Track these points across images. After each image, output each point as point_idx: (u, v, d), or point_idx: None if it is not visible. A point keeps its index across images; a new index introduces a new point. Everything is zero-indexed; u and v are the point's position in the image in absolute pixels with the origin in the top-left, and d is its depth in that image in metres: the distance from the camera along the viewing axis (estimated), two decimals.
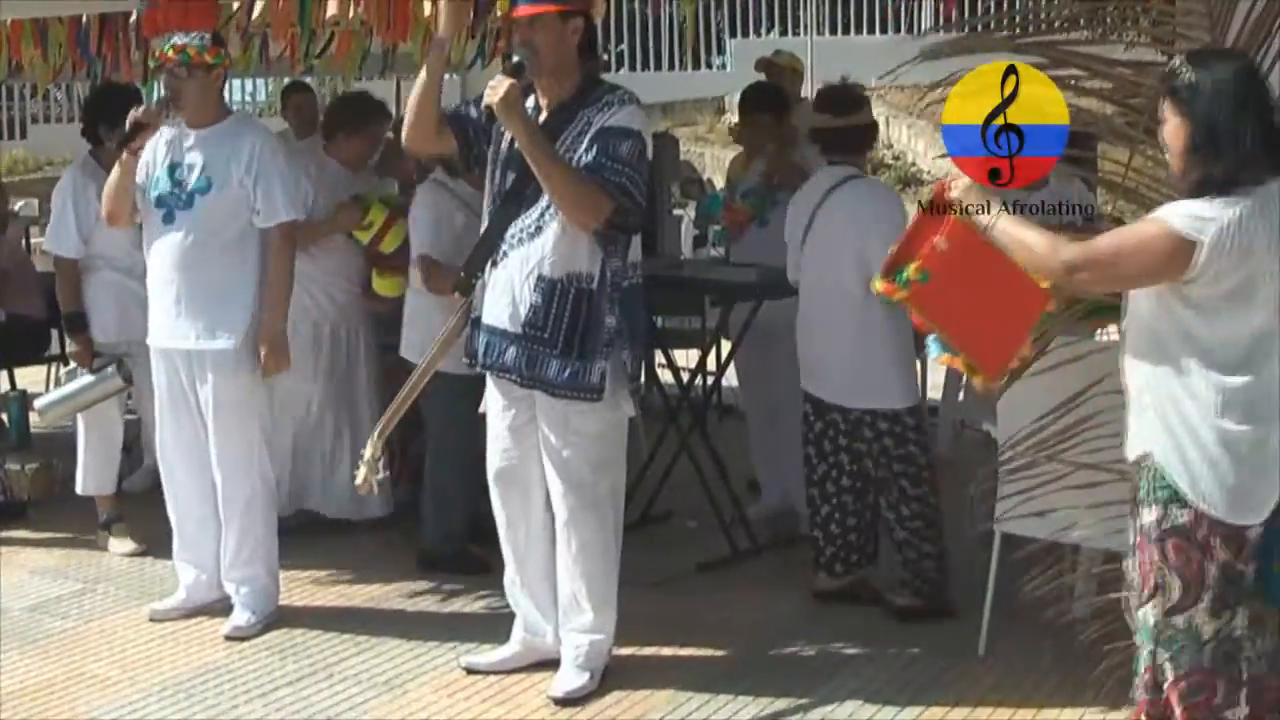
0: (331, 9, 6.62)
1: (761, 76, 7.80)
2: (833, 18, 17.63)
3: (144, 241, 5.50)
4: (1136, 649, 3.59)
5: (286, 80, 9.96)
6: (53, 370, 8.15)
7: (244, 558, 5.48)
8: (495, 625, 5.20)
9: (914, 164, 15.25)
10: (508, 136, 4.68)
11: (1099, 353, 4.32)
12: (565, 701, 4.74)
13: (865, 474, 5.55)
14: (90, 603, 5.83)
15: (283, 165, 5.46)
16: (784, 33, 17.53)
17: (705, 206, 8.49)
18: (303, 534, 6.26)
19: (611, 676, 4.87)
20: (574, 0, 4.64)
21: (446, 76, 4.88)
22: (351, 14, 6.50)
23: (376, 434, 5.04)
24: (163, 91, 5.55)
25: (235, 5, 6.64)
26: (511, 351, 4.70)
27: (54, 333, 7.73)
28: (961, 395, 7.40)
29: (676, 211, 9.74)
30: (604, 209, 4.55)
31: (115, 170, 5.42)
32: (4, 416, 8.08)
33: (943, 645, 5.14)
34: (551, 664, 4.90)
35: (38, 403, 6.53)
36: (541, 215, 4.64)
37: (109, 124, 6.36)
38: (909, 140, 15.43)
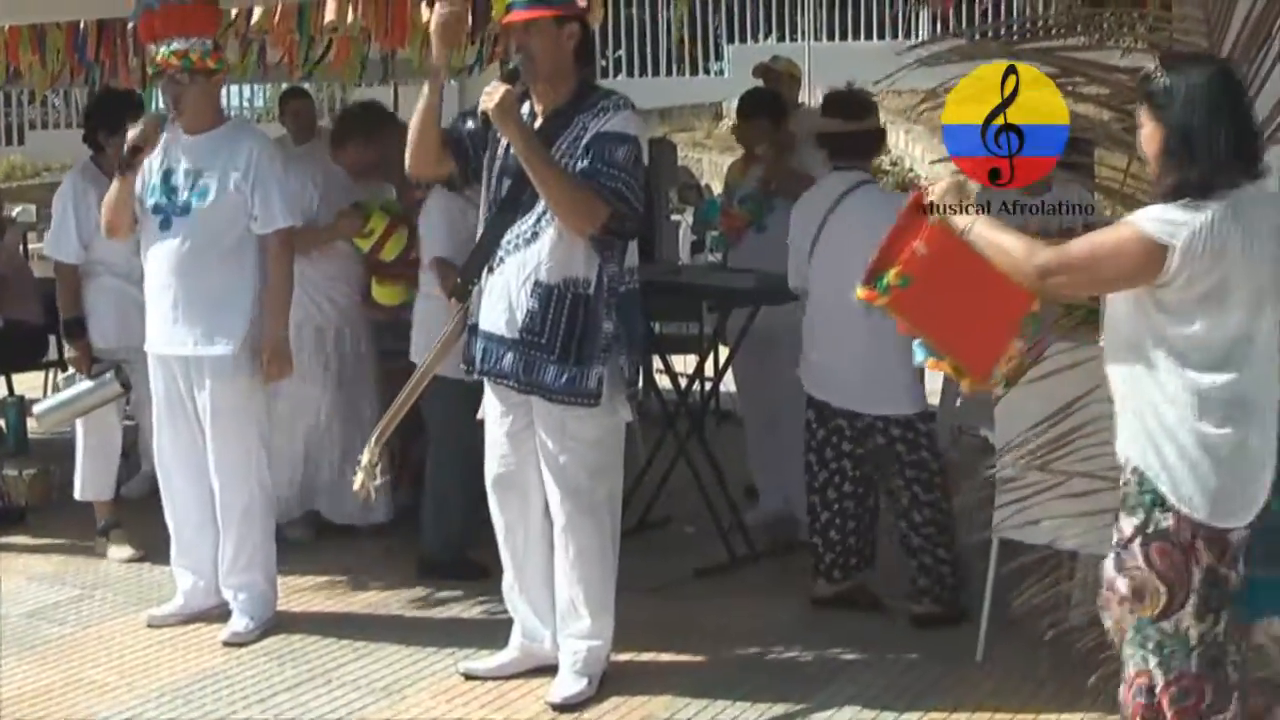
0: (329, 15, 6.64)
1: (759, 82, 7.80)
2: (830, 23, 17.66)
3: (141, 247, 5.50)
4: (1118, 653, 3.60)
5: (284, 86, 9.97)
6: (50, 376, 8.15)
7: (242, 564, 5.48)
8: (493, 631, 5.19)
9: (911, 169, 15.26)
10: (503, 143, 4.69)
11: (1096, 359, 4.31)
12: (563, 707, 4.74)
13: (866, 479, 5.55)
14: (88, 608, 5.83)
15: (280, 171, 5.46)
16: (781, 38, 17.54)
17: (703, 212, 8.48)
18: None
19: (609, 682, 4.87)
20: (570, 5, 4.65)
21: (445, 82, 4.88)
22: (350, 19, 6.52)
23: (374, 440, 5.04)
24: (161, 97, 5.55)
25: (234, 11, 6.65)
26: (509, 357, 4.71)
27: (51, 338, 7.74)
28: (959, 400, 7.40)
29: (674, 217, 9.73)
30: (600, 214, 4.56)
31: (114, 185, 5.42)
32: (2, 422, 8.07)
33: (940, 651, 5.14)
34: (550, 670, 4.90)
35: (36, 408, 6.53)
36: (538, 221, 4.64)
37: (109, 130, 6.37)
38: (907, 146, 15.44)
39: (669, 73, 18.42)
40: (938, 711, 4.69)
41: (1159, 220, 3.37)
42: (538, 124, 4.68)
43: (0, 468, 7.13)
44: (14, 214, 11.56)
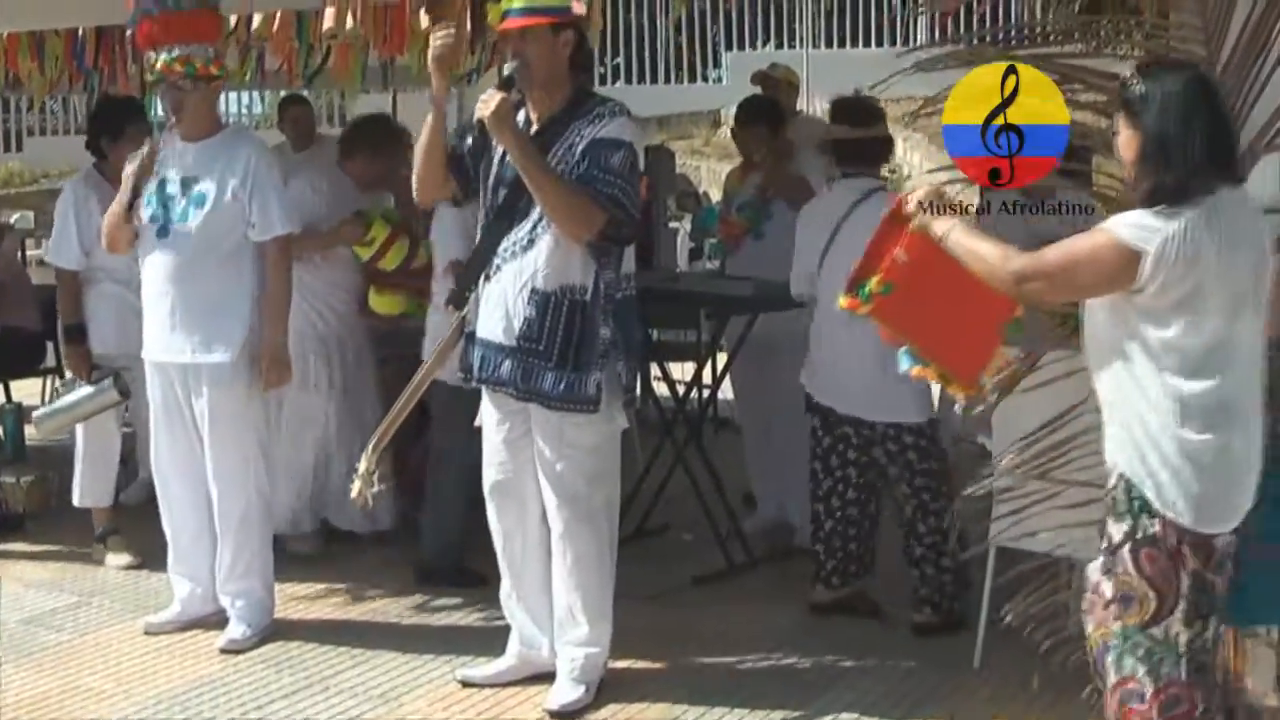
0: (327, 22, 6.64)
1: (758, 89, 7.81)
2: (828, 31, 17.63)
3: (139, 254, 5.49)
4: (1095, 658, 3.59)
5: (283, 93, 9.98)
6: (48, 383, 8.15)
7: (239, 571, 5.47)
8: (491, 638, 5.19)
9: (909, 177, 15.26)
10: (500, 151, 4.69)
11: None
12: (561, 714, 4.75)
13: (870, 486, 5.55)
14: (85, 616, 5.82)
15: (278, 178, 5.46)
16: (780, 46, 17.53)
17: (701, 219, 8.50)
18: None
19: (607, 689, 4.87)
20: (565, 13, 4.65)
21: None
22: (349, 25, 6.51)
23: (371, 447, 5.04)
24: (160, 104, 5.54)
25: (233, 18, 6.66)
26: (507, 365, 4.71)
27: (49, 345, 7.74)
28: (958, 408, 7.39)
29: (672, 225, 9.75)
30: (597, 221, 4.56)
31: (114, 208, 5.42)
32: None
33: (938, 658, 5.14)
34: (547, 677, 4.89)
35: (35, 414, 6.52)
36: (534, 228, 4.64)
37: (111, 136, 6.39)
38: (904, 153, 15.42)
39: (667, 80, 18.41)
40: (935, 718, 4.69)
41: (1133, 226, 3.38)
42: (533, 131, 4.69)
43: None
44: (12, 220, 11.56)
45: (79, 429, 6.39)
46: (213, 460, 5.41)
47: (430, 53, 4.75)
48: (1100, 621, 3.53)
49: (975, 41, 5.66)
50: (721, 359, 7.02)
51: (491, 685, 4.98)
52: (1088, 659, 3.66)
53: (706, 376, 7.19)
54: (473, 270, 4.82)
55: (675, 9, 15.60)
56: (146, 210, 5.36)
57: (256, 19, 8.02)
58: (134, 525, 6.46)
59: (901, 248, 3.76)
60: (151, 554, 6.08)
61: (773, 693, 4.92)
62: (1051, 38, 4.82)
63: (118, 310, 6.34)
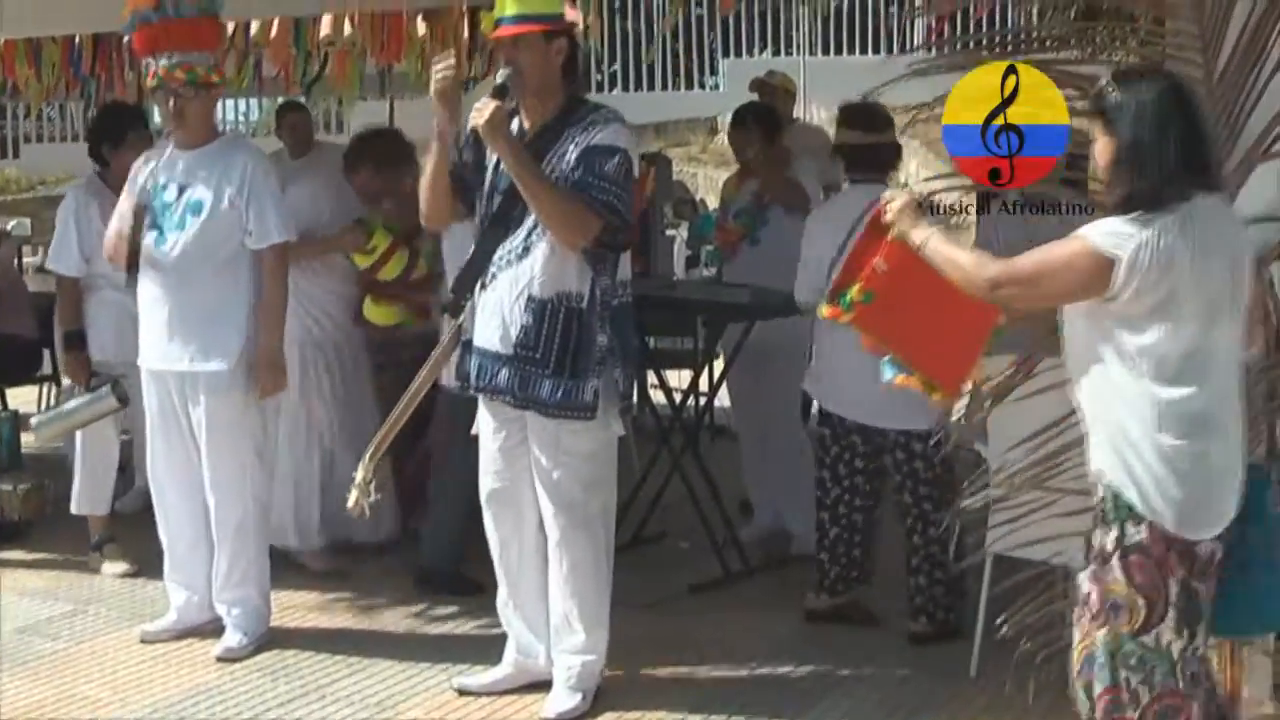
0: (325, 30, 6.66)
1: (754, 96, 7.81)
2: (825, 38, 17.64)
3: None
4: (1078, 668, 3.59)
5: (281, 100, 9.97)
6: (44, 390, 8.15)
7: (235, 579, 5.47)
8: (487, 646, 5.18)
9: (906, 184, 15.25)
10: (494, 160, 4.69)
11: None
12: None
13: (874, 494, 5.54)
14: (81, 624, 5.82)
15: (275, 186, 5.45)
16: (776, 52, 17.54)
17: (698, 227, 8.51)
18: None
19: (603, 698, 4.87)
20: (558, 20, 4.65)
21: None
22: (347, 32, 6.53)
23: (368, 456, 5.04)
24: (159, 111, 5.53)
25: (231, 26, 6.66)
26: (504, 373, 4.70)
27: (46, 353, 7.73)
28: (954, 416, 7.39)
29: (669, 232, 9.75)
30: (592, 227, 4.56)
31: (113, 226, 5.42)
32: None
33: (934, 666, 5.14)
34: (544, 685, 4.89)
35: (33, 420, 6.51)
36: (529, 236, 4.64)
37: (113, 144, 6.39)
38: (902, 159, 15.43)
39: (664, 87, 18.42)
40: None
41: (1107, 233, 3.39)
42: (527, 139, 4.69)
43: None
44: (8, 228, 11.54)
45: (78, 436, 6.39)
46: (209, 469, 5.40)
47: (432, 87, 4.73)
48: (1087, 632, 3.53)
49: (971, 46, 5.65)
50: (718, 366, 7.02)
51: (488, 693, 4.97)
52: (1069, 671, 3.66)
53: (703, 384, 7.19)
54: (468, 278, 4.82)
55: (671, 14, 15.57)
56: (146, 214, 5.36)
57: (254, 26, 8.04)
58: (130, 533, 6.45)
59: (881, 257, 3.78)
60: (148, 562, 6.07)
61: (769, 700, 4.92)
62: (1047, 44, 4.82)
63: (117, 317, 6.33)
